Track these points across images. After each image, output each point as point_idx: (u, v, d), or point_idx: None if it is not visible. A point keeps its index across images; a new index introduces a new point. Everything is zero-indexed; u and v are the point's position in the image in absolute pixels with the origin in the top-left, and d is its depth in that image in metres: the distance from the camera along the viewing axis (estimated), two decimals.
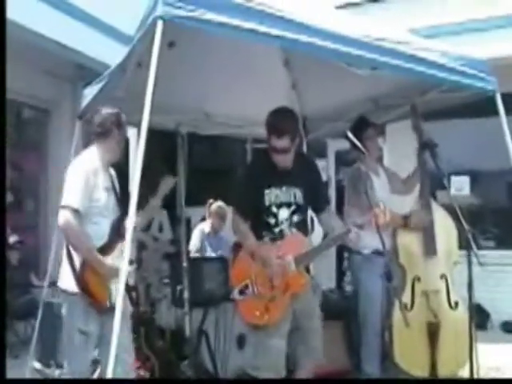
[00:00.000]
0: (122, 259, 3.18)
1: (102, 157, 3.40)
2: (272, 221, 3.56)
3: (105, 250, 3.23)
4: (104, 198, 3.30)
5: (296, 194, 3.59)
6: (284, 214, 3.56)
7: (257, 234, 3.56)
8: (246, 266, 3.53)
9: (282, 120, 3.48)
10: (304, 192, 3.61)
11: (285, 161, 3.53)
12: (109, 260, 3.22)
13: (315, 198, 3.69)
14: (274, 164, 3.55)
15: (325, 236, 3.84)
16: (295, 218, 3.59)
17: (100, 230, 3.25)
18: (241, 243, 3.69)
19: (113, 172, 3.54)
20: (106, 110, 3.45)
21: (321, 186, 3.88)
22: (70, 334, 3.23)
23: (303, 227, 3.66)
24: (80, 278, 3.13)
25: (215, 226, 6.61)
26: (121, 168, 3.67)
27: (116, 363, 3.08)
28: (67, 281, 3.21)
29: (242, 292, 3.49)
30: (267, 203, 3.54)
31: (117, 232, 3.29)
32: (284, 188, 3.56)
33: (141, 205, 3.24)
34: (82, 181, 3.19)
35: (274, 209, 3.55)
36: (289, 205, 3.57)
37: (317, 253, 3.57)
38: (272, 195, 3.54)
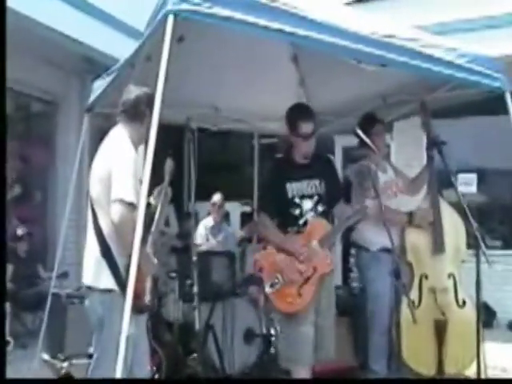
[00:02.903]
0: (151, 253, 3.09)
1: (133, 141, 3.12)
2: (296, 212, 3.73)
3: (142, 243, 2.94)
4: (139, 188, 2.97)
5: (317, 186, 3.78)
6: (308, 204, 3.74)
7: (283, 229, 3.73)
8: (274, 261, 3.68)
9: (305, 108, 3.84)
10: (323, 183, 3.80)
11: (310, 146, 3.74)
12: (145, 255, 2.95)
13: (331, 190, 3.84)
14: (292, 160, 3.80)
15: None
16: (319, 208, 3.76)
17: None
18: (266, 239, 3.86)
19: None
20: (138, 90, 3.18)
21: (336, 179, 4.03)
22: (112, 337, 2.85)
23: (328, 216, 3.83)
24: (125, 276, 2.82)
25: (216, 218, 6.71)
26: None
27: (135, 366, 3.01)
28: (106, 279, 2.97)
29: (272, 285, 3.63)
30: (290, 196, 3.72)
31: (148, 225, 3.07)
32: (304, 181, 3.76)
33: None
34: (131, 171, 2.95)
35: (297, 200, 3.73)
36: (311, 196, 3.75)
37: (338, 230, 3.80)
38: (294, 188, 3.73)
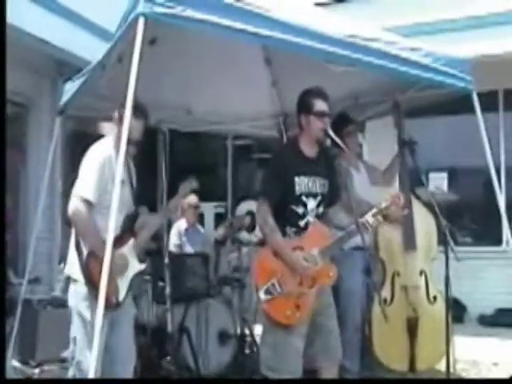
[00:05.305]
0: (132, 256, 3.27)
1: (118, 144, 3.09)
2: (300, 210, 3.42)
3: (114, 243, 2.90)
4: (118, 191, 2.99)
5: (322, 184, 3.50)
6: (311, 204, 3.45)
7: (281, 228, 3.38)
8: (270, 264, 3.35)
9: (319, 88, 3.51)
10: (327, 183, 3.54)
11: (325, 124, 3.43)
12: (118, 254, 3.09)
13: (333, 191, 3.58)
14: (300, 152, 3.49)
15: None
16: (320, 210, 3.49)
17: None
18: (265, 238, 3.46)
19: (132, 165, 3.42)
20: None
21: (338, 179, 3.67)
22: (81, 327, 3.11)
23: (324, 219, 3.56)
24: (85, 268, 3.07)
25: (190, 220, 6.62)
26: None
27: (119, 364, 3.18)
28: (76, 270, 3.15)
29: (268, 292, 3.29)
30: (298, 192, 3.41)
31: (130, 227, 3.27)
32: (312, 177, 3.46)
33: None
34: (96, 172, 3.10)
35: (304, 198, 3.42)
36: (315, 195, 3.46)
37: (341, 243, 3.46)
38: (302, 184, 3.42)
